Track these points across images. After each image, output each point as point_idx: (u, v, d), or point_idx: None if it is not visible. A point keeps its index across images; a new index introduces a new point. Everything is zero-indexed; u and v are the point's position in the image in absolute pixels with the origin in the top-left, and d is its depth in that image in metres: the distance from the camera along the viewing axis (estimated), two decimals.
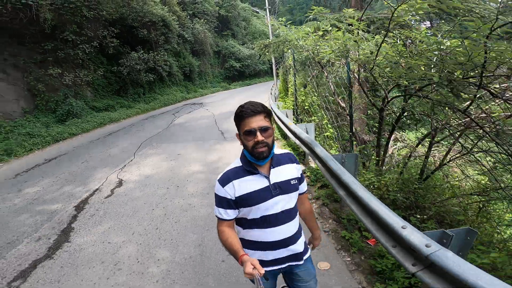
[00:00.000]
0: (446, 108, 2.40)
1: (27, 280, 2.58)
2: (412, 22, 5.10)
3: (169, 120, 10.54)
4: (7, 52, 9.16)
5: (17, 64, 9.38)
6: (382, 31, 3.00)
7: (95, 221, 3.56)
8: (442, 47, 2.06)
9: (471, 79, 1.89)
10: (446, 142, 3.33)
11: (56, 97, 10.09)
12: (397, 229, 1.70)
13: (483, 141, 2.54)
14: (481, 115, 2.35)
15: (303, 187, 1.41)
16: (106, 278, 2.55)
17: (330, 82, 5.25)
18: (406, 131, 5.72)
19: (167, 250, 2.89)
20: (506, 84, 2.12)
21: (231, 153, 5.89)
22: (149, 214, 3.66)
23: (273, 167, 1.25)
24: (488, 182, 2.87)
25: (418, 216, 2.54)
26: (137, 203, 3.98)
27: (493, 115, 2.27)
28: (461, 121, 2.54)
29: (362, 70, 3.35)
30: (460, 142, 2.57)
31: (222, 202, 1.24)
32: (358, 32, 2.77)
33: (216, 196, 1.25)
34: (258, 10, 27.68)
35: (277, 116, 6.31)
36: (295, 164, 1.34)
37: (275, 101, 10.42)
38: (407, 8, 2.03)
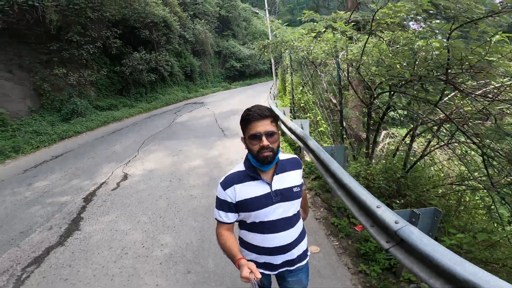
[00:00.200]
0: (423, 103, 2.62)
1: (41, 266, 2.78)
2: (405, 23, 5.32)
3: (171, 119, 10.74)
4: (14, 52, 9.42)
5: (23, 64, 9.64)
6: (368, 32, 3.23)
7: (103, 211, 3.80)
8: (411, 46, 2.28)
9: (440, 76, 2.12)
10: (429, 135, 3.56)
11: (61, 96, 10.37)
12: (373, 209, 1.93)
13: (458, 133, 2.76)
14: (455, 111, 2.57)
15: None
16: (113, 261, 2.76)
17: (323, 80, 5.49)
18: (399, 127, 5.94)
19: (170, 236, 3.11)
20: (475, 83, 2.34)
21: (231, 149, 6.10)
22: (153, 204, 3.89)
23: (277, 174, 1.24)
24: (465, 172, 3.10)
25: (398, 202, 2.77)
26: (141, 195, 4.22)
27: (466, 109, 2.51)
28: (438, 117, 2.77)
29: (351, 69, 3.57)
30: (436, 135, 2.79)
31: (222, 205, 1.24)
32: (346, 34, 3.00)
33: (217, 198, 1.26)
34: (258, 11, 27.84)
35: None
36: (299, 170, 1.32)
37: (274, 99, 10.65)
38: (386, 11, 2.26)
